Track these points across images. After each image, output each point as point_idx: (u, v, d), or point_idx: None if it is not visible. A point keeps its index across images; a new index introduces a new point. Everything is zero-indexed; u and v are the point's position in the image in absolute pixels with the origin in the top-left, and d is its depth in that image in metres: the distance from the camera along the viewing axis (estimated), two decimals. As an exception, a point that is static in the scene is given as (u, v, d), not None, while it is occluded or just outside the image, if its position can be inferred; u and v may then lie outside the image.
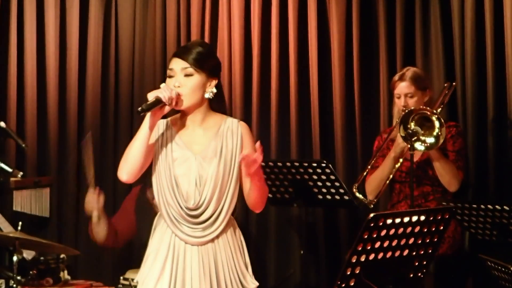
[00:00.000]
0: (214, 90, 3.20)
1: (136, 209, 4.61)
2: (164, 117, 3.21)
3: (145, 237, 4.07)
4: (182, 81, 3.14)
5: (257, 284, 3.26)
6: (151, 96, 3.08)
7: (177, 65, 3.17)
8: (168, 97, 3.08)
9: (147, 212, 4.43)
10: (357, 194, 4.24)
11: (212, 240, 3.17)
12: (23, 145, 4.72)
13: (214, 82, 3.20)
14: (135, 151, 3.14)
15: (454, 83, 4.49)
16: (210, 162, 3.16)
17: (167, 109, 3.12)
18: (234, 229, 3.26)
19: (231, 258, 3.21)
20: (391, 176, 4.27)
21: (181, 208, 3.15)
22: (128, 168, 3.16)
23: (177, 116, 3.24)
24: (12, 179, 4.83)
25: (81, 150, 4.41)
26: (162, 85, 3.14)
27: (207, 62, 3.18)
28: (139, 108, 3.06)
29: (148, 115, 3.10)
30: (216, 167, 3.16)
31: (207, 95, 3.19)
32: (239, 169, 3.19)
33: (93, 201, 4.32)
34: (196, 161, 3.16)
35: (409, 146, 4.05)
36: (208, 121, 3.22)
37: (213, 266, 3.16)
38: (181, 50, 3.24)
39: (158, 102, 3.08)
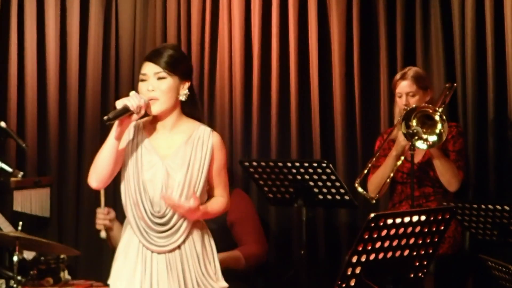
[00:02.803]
0: (188, 92, 3.18)
1: None
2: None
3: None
4: (155, 85, 3.13)
5: (226, 285, 3.26)
6: (119, 104, 3.06)
7: (150, 70, 3.15)
8: (136, 105, 3.05)
9: None
10: (359, 189, 4.24)
11: (179, 247, 3.16)
12: (23, 145, 4.72)
13: (187, 84, 3.19)
14: (103, 159, 3.12)
15: (455, 84, 4.49)
16: (177, 170, 3.14)
17: (135, 117, 3.09)
18: (202, 234, 3.24)
19: (198, 264, 3.19)
20: (391, 174, 4.27)
21: (147, 214, 3.13)
22: (97, 176, 3.15)
23: (149, 119, 3.21)
24: (12, 179, 4.83)
25: None
26: (132, 93, 3.11)
27: (179, 65, 3.16)
28: (105, 117, 3.03)
29: (116, 123, 3.08)
30: (184, 176, 3.13)
31: (181, 98, 3.17)
32: (206, 179, 3.19)
33: (103, 218, 4.31)
34: (163, 168, 3.14)
35: (410, 144, 4.05)
36: (179, 126, 3.20)
37: (180, 273, 3.15)
38: (153, 54, 3.22)
39: (126, 110, 3.05)
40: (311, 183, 4.41)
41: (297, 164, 4.43)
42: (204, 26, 5.37)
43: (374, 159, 4.34)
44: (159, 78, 3.13)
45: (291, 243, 5.17)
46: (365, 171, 4.31)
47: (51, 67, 5.44)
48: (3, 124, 4.64)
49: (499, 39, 4.65)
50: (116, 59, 5.55)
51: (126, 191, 3.18)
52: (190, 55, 5.37)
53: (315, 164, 4.39)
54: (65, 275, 4.46)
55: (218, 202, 3.25)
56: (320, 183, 4.40)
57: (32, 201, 5.07)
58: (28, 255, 4.47)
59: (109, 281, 3.23)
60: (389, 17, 4.98)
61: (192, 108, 3.23)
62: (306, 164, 4.41)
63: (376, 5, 5.02)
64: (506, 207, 3.78)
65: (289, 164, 4.45)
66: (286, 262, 5.16)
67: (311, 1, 5.12)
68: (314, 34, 5.12)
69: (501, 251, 3.83)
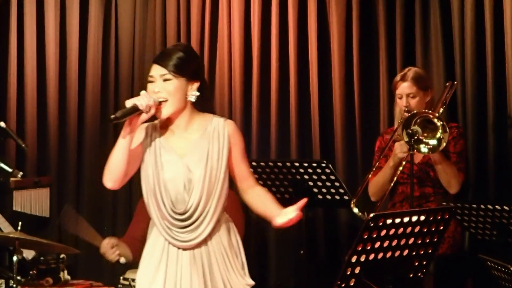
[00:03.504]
0: (197, 93, 3.18)
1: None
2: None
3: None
4: (162, 86, 3.13)
5: (253, 283, 3.26)
6: (128, 103, 3.06)
7: (156, 72, 3.15)
8: (145, 104, 3.05)
9: None
10: (354, 210, 4.20)
11: (205, 242, 3.17)
12: (23, 145, 4.72)
13: (196, 84, 3.18)
14: (115, 159, 3.12)
15: (455, 82, 4.48)
16: (197, 166, 3.15)
17: (144, 117, 3.09)
18: (228, 229, 3.25)
19: (226, 258, 3.20)
20: (392, 184, 4.26)
21: (169, 212, 3.14)
22: (110, 176, 3.14)
23: (163, 121, 3.22)
24: (12, 179, 4.83)
25: (62, 223, 4.41)
26: (142, 92, 3.11)
27: (187, 67, 3.15)
28: (112, 116, 3.03)
29: (125, 123, 3.08)
30: (203, 170, 3.14)
31: (190, 98, 3.17)
32: (226, 170, 3.19)
33: (113, 251, 4.33)
34: (183, 165, 3.15)
35: (407, 153, 4.06)
36: (193, 124, 3.20)
37: (207, 269, 3.15)
38: (160, 57, 3.21)
39: (135, 109, 3.04)
40: (311, 183, 4.42)
41: (297, 164, 4.43)
42: (203, 26, 5.38)
43: (374, 164, 4.35)
44: (165, 80, 3.13)
45: (290, 243, 5.17)
46: (361, 188, 4.28)
47: (50, 67, 5.44)
48: (2, 124, 4.63)
49: (498, 39, 4.64)
50: (116, 59, 5.55)
51: (148, 191, 3.18)
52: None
53: (315, 164, 4.40)
54: (65, 275, 4.46)
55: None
56: (319, 183, 4.40)
57: (32, 201, 5.07)
58: (28, 254, 4.47)
59: (136, 282, 3.25)
60: (389, 17, 4.98)
61: (204, 105, 3.24)
62: (306, 164, 4.41)
63: (376, 5, 5.02)
64: (506, 207, 3.78)
65: (288, 164, 4.45)
66: (286, 262, 5.16)
67: (311, 1, 5.12)
68: (313, 34, 5.12)
69: (501, 251, 3.83)
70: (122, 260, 4.36)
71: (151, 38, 5.53)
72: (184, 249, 3.16)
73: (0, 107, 5.35)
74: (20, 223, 4.10)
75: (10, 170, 4.58)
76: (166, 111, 3.14)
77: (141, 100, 3.06)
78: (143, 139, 3.18)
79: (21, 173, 4.64)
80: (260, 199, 3.28)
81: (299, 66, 5.17)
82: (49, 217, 5.28)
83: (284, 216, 3.16)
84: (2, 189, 4.90)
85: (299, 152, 5.14)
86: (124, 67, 5.55)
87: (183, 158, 3.16)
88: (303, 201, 3.17)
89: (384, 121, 4.92)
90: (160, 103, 3.11)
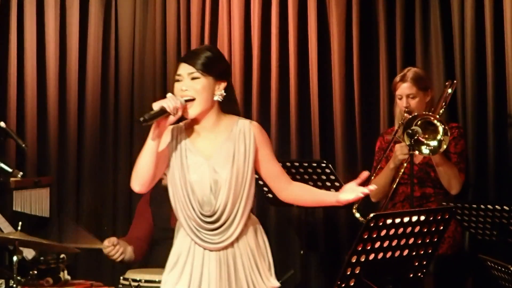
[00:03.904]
0: (224, 93, 3.18)
1: (152, 204, 4.60)
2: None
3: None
4: (189, 85, 3.12)
5: (279, 285, 3.25)
6: (156, 106, 3.05)
7: (184, 70, 3.14)
8: (173, 106, 3.04)
9: (164, 201, 4.47)
10: (356, 215, 4.22)
11: (232, 244, 3.16)
12: (23, 145, 4.72)
13: (223, 85, 3.18)
14: (144, 163, 3.10)
15: (455, 81, 4.48)
16: (223, 167, 3.14)
17: (172, 119, 3.08)
18: (255, 230, 3.24)
19: (252, 260, 3.19)
20: (394, 186, 4.26)
21: (197, 214, 3.14)
22: (139, 180, 3.13)
23: (189, 122, 3.21)
24: (12, 179, 4.82)
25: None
26: (168, 95, 3.11)
27: (214, 66, 3.15)
28: (141, 118, 3.02)
29: (153, 125, 3.07)
30: (230, 171, 3.14)
31: (216, 98, 3.16)
32: (253, 172, 3.19)
33: (115, 251, 4.34)
34: (210, 167, 3.15)
35: (408, 156, 4.06)
36: (220, 125, 3.19)
37: (232, 270, 3.15)
38: (189, 55, 3.23)
39: (163, 112, 3.04)
40: (311, 183, 4.41)
41: (297, 164, 4.43)
42: (203, 26, 5.38)
43: (374, 164, 4.35)
44: (193, 79, 3.13)
45: (291, 243, 5.17)
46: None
47: (51, 67, 5.44)
48: (2, 124, 4.63)
49: (498, 39, 4.65)
50: (116, 59, 5.55)
51: (174, 194, 3.17)
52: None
53: (315, 164, 4.40)
54: (65, 275, 4.45)
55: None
56: (319, 183, 4.40)
57: (32, 201, 5.06)
58: (28, 254, 4.47)
59: (161, 282, 3.24)
60: (389, 17, 4.99)
61: (230, 106, 3.24)
62: (306, 164, 4.41)
63: (376, 5, 5.02)
64: (506, 207, 3.78)
65: (288, 164, 4.45)
66: (286, 262, 5.16)
67: (311, 1, 5.12)
68: (313, 34, 5.12)
69: (501, 251, 3.83)
70: (126, 258, 4.38)
71: (151, 38, 5.53)
72: (211, 250, 3.15)
73: (0, 107, 5.35)
74: (20, 223, 4.10)
75: (10, 170, 4.57)
76: (193, 111, 3.12)
77: (169, 102, 3.05)
78: (169, 142, 3.17)
79: (21, 173, 4.64)
80: (305, 189, 3.30)
81: (299, 66, 5.17)
82: (49, 217, 5.28)
83: (351, 192, 3.12)
84: (2, 189, 4.89)
85: (299, 152, 5.14)
86: (124, 67, 5.55)
87: (209, 159, 3.15)
88: (364, 174, 3.14)
89: (384, 121, 4.92)
90: (186, 102, 3.10)
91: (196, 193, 3.14)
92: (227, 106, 3.22)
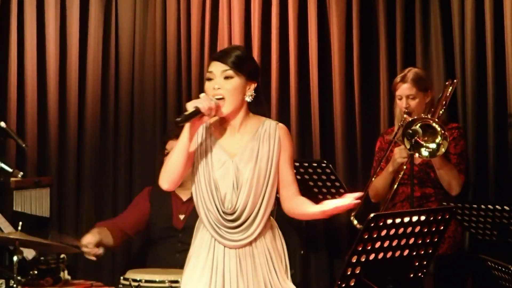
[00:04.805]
0: (254, 94, 3.20)
1: (152, 203, 4.61)
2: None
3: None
4: (222, 84, 3.14)
5: (294, 287, 3.27)
6: (190, 106, 3.08)
7: (217, 68, 3.17)
8: (207, 107, 3.07)
9: (165, 200, 4.51)
10: (355, 223, 4.21)
11: (250, 244, 3.18)
12: (23, 145, 4.72)
13: (254, 85, 3.21)
14: (175, 161, 3.15)
15: (455, 80, 4.48)
16: (246, 166, 3.17)
17: (205, 119, 3.12)
18: (273, 232, 3.26)
19: (270, 261, 3.21)
20: (393, 188, 4.26)
21: (219, 212, 3.16)
22: (169, 178, 3.17)
23: (216, 120, 3.24)
24: (12, 179, 4.82)
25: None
26: (202, 95, 3.13)
27: (246, 65, 3.18)
28: (177, 119, 3.06)
29: (187, 125, 3.11)
30: (252, 170, 3.16)
31: (247, 99, 3.19)
32: (276, 172, 3.20)
33: (90, 250, 4.37)
34: (233, 165, 3.17)
35: (407, 159, 4.06)
36: (246, 125, 3.22)
37: (250, 269, 3.17)
38: (220, 54, 3.25)
39: (197, 112, 3.07)
40: (311, 183, 4.42)
41: (297, 164, 4.43)
42: (204, 26, 5.37)
43: (374, 165, 4.35)
44: (226, 78, 3.15)
45: (290, 243, 5.16)
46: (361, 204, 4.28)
47: (51, 67, 5.44)
48: (3, 124, 4.63)
49: (498, 39, 4.65)
50: (116, 59, 5.55)
51: (197, 190, 3.21)
52: (189, 55, 5.38)
53: (315, 164, 4.40)
54: (65, 275, 4.46)
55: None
56: (319, 183, 4.40)
57: (32, 201, 5.06)
58: (28, 254, 4.47)
59: (181, 282, 3.26)
60: (389, 17, 4.99)
61: (259, 107, 3.26)
62: (306, 164, 4.41)
63: (376, 5, 5.02)
64: (506, 207, 3.78)
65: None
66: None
67: (311, 2, 5.12)
68: (314, 34, 5.12)
69: (501, 251, 3.83)
70: (99, 253, 4.38)
71: (151, 38, 5.53)
72: (230, 248, 3.17)
73: (0, 107, 5.35)
74: (20, 223, 4.10)
75: (10, 170, 4.58)
76: (224, 110, 3.16)
77: (203, 103, 3.08)
78: (195, 139, 3.20)
79: (21, 173, 4.64)
80: (305, 203, 3.25)
81: (299, 66, 5.17)
82: (49, 217, 5.28)
83: (332, 203, 3.12)
84: (2, 189, 4.89)
85: (299, 152, 5.14)
86: (124, 67, 5.54)
87: (233, 158, 3.18)
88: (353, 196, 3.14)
89: (384, 121, 4.92)
90: (218, 100, 3.12)
91: (219, 190, 3.17)
92: (256, 107, 3.25)
